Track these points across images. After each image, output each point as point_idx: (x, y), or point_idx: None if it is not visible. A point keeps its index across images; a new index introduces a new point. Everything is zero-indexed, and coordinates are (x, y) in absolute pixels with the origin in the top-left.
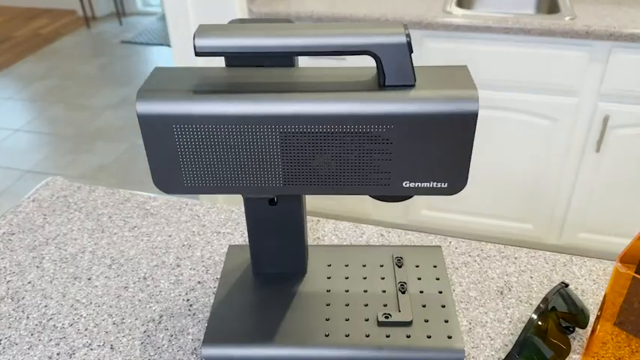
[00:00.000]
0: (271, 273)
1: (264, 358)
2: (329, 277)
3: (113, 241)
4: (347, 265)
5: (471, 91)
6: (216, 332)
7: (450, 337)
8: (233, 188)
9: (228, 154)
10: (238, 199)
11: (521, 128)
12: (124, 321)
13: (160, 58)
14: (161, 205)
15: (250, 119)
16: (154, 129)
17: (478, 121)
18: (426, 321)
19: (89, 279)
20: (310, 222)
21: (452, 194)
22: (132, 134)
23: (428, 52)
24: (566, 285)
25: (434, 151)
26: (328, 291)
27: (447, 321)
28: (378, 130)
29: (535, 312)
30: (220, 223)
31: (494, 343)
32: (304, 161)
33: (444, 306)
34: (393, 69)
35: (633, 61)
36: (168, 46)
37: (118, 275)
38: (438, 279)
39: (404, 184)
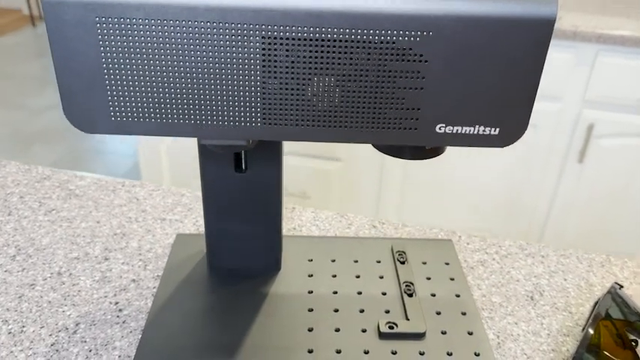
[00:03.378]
0: (233, 269)
1: None
2: (310, 275)
3: (22, 226)
4: (334, 261)
5: None
6: (154, 347)
7: (477, 355)
8: (185, 127)
9: (180, 70)
10: (192, 180)
11: None
12: (24, 330)
13: None
14: (89, 185)
15: (217, 13)
16: (65, 25)
17: None
18: (444, 333)
19: None
20: (284, 209)
21: (503, 146)
22: (73, 137)
23: None
24: (621, 286)
25: (486, 77)
26: (310, 292)
27: (471, 333)
28: (409, 39)
29: (590, 324)
30: (166, 208)
31: None
32: (295, 86)
33: (464, 313)
34: None
35: (620, 66)
36: None
37: (24, 269)
38: (452, 279)
39: (438, 129)
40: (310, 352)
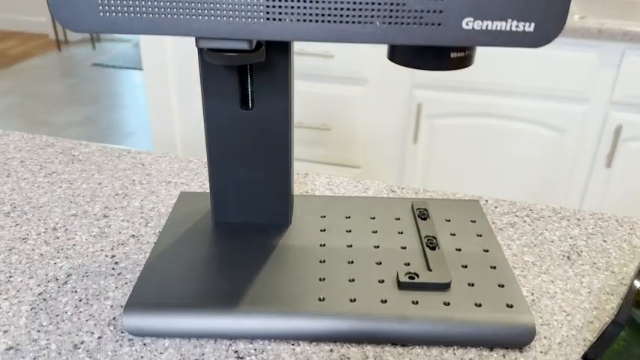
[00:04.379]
0: (239, 222)
1: (221, 332)
2: (323, 230)
3: (20, 186)
4: (348, 217)
5: None
6: (149, 293)
7: (510, 307)
8: (179, 23)
9: None
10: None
11: (524, 139)
12: (11, 280)
13: (130, 80)
14: (93, 152)
15: None
16: None
17: (474, 130)
18: (471, 285)
19: None
20: (295, 175)
21: (538, 45)
22: None
23: None
24: None
25: None
26: (322, 245)
27: (502, 285)
28: None
29: (637, 279)
30: (172, 172)
31: (572, 320)
32: None
33: (494, 267)
34: None
35: None
36: (140, 69)
37: (17, 224)
38: (479, 235)
39: (465, 24)
40: (321, 300)
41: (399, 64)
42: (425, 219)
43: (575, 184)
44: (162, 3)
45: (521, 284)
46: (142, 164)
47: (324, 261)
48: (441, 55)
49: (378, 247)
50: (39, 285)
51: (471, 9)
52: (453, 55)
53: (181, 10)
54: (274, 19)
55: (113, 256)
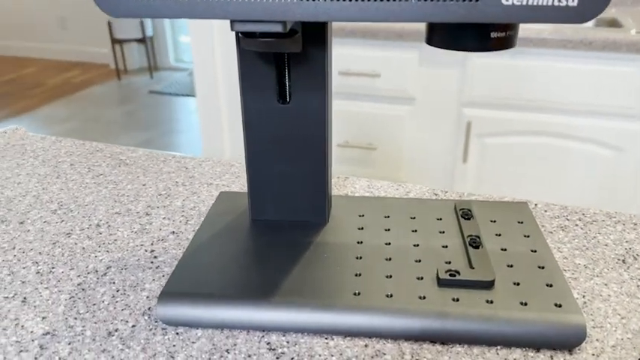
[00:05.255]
0: (277, 220)
1: (253, 323)
2: (361, 228)
3: (68, 187)
4: (387, 217)
5: None
6: (183, 284)
7: (558, 306)
8: (213, 6)
9: None
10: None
11: (579, 158)
12: (53, 270)
13: (185, 107)
14: (140, 157)
15: None
16: None
17: (527, 149)
18: (517, 284)
19: (21, 222)
20: (335, 179)
21: (582, 20)
22: None
23: (474, 69)
24: None
25: None
26: (360, 242)
27: (550, 285)
28: None
29: None
30: (214, 175)
31: (627, 323)
32: None
33: (542, 267)
34: None
35: None
36: (194, 96)
37: (63, 221)
38: (527, 236)
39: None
40: (356, 294)
41: (437, 46)
42: (468, 219)
43: (637, 206)
44: None
45: (572, 286)
46: (185, 167)
47: (360, 257)
48: (481, 35)
49: (417, 245)
50: (79, 276)
51: None
52: (494, 34)
53: None
54: None
55: (152, 251)
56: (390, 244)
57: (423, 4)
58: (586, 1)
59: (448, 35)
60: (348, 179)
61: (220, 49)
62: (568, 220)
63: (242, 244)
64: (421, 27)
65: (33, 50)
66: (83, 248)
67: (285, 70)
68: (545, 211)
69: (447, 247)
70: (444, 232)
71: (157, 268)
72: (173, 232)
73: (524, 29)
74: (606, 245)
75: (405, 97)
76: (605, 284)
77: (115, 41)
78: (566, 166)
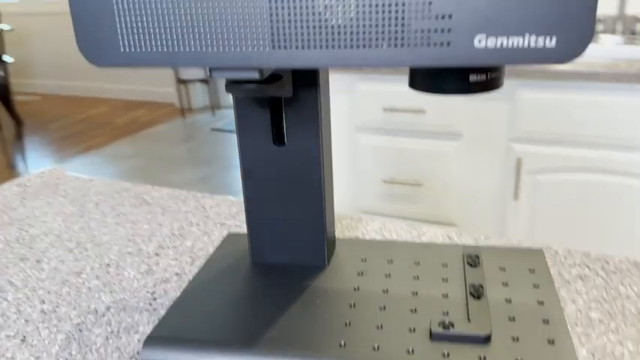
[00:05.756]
0: (276, 262)
1: None
2: (360, 273)
3: (89, 226)
4: (390, 262)
5: None
6: (171, 328)
7: None
8: (192, 55)
9: None
10: None
11: (634, 196)
12: (57, 310)
13: None
14: (162, 196)
15: None
16: None
17: (582, 187)
18: (516, 340)
19: (38, 261)
20: (349, 220)
21: (563, 61)
22: None
23: (523, 103)
24: None
25: None
26: (356, 289)
27: (552, 342)
28: None
29: None
30: (229, 215)
31: None
32: None
33: (546, 321)
34: None
35: None
36: None
37: (77, 260)
38: (536, 286)
39: (477, 42)
40: (342, 346)
41: (418, 90)
42: (475, 266)
43: None
44: (176, 37)
45: (582, 343)
46: (203, 207)
47: (353, 305)
48: (459, 78)
49: (416, 293)
50: (79, 316)
51: (482, 25)
52: (473, 78)
53: (193, 42)
54: (280, 47)
55: (153, 292)
56: (387, 291)
57: (394, 50)
58: (564, 42)
59: (428, 79)
60: (361, 221)
61: None
62: (589, 268)
63: (237, 289)
64: None
65: (104, 91)
66: (89, 288)
67: (280, 112)
68: (566, 258)
69: (447, 296)
70: (446, 280)
71: (154, 310)
72: (177, 273)
73: (576, 63)
74: (628, 298)
75: (452, 132)
76: (620, 342)
77: (180, 81)
78: (622, 204)
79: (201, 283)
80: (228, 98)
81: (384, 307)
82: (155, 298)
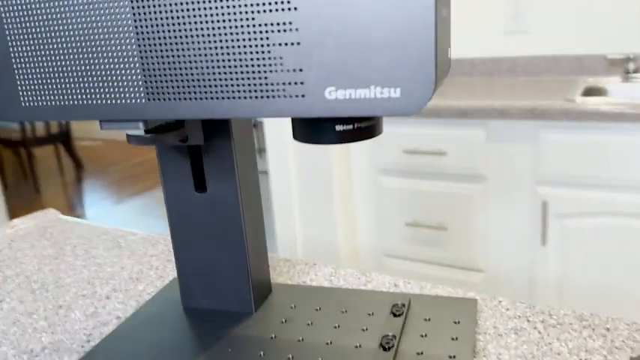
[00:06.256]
0: (207, 309)
1: None
2: (284, 321)
3: (58, 268)
4: (318, 309)
5: None
6: None
7: None
8: (83, 109)
9: (69, 42)
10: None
11: None
12: None
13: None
14: (137, 240)
15: None
16: None
17: (613, 231)
18: None
19: (1, 301)
20: (303, 265)
21: (409, 112)
22: None
23: (546, 145)
24: None
25: (369, 21)
26: (272, 338)
27: None
28: None
29: None
30: None
31: None
32: (170, 48)
33: None
34: None
35: None
36: None
37: (35, 301)
38: (455, 339)
39: (327, 94)
40: None
41: (298, 140)
42: (398, 315)
43: None
44: (64, 95)
45: None
46: (169, 251)
47: (263, 354)
48: (327, 129)
49: (330, 343)
50: (14, 356)
51: (331, 78)
52: (339, 127)
53: (79, 97)
54: (154, 97)
55: (90, 335)
56: (302, 340)
57: (255, 101)
58: (408, 93)
59: (300, 130)
60: (315, 266)
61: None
62: (529, 321)
63: (158, 335)
64: (486, 104)
65: None
66: (35, 328)
67: (200, 159)
68: (508, 309)
69: (359, 347)
70: (366, 330)
71: (85, 352)
72: (118, 317)
73: (601, 104)
74: (558, 355)
75: (475, 175)
76: None
77: None
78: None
79: (127, 328)
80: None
81: (292, 358)
82: (89, 341)
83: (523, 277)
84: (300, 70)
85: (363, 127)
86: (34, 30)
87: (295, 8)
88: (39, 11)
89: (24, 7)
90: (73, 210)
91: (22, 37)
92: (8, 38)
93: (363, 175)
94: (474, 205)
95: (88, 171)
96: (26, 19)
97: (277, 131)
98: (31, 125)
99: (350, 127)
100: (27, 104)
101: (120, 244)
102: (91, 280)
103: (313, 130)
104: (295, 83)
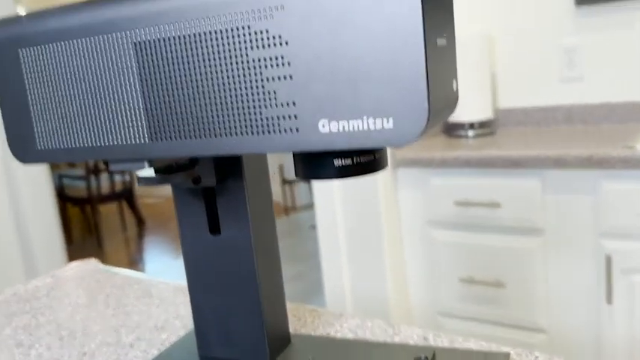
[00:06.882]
0: (222, 358)
1: None
2: None
3: (89, 316)
4: None
5: None
6: None
7: None
8: (91, 150)
9: (78, 88)
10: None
11: None
12: None
13: None
14: (168, 289)
15: (97, 27)
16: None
17: None
18: None
19: (30, 347)
20: (329, 315)
21: (404, 143)
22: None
23: (607, 196)
24: None
25: (359, 53)
26: None
27: None
28: (262, 19)
29: None
30: None
31: None
32: (170, 90)
33: None
34: None
35: None
36: None
37: (62, 348)
38: None
39: (320, 127)
40: None
41: (298, 177)
42: None
43: None
44: (75, 137)
45: None
46: None
47: None
48: (325, 164)
49: None
50: None
51: (324, 110)
52: (337, 162)
53: (89, 139)
54: (156, 137)
55: None
56: None
57: (250, 137)
58: (402, 123)
59: (300, 167)
60: (341, 317)
61: (338, 186)
62: None
63: None
64: (540, 153)
65: None
66: None
67: (214, 201)
68: None
69: None
70: None
71: None
72: None
73: None
74: None
75: (532, 227)
76: None
77: (284, 181)
78: None
79: None
80: None
81: None
82: None
83: (588, 337)
84: (294, 103)
85: (363, 162)
86: (48, 82)
87: (287, 43)
88: (53, 65)
89: (41, 62)
90: (134, 265)
91: (38, 88)
92: (27, 90)
93: (413, 227)
94: (532, 260)
95: (150, 227)
96: (43, 72)
97: (325, 184)
98: (97, 183)
99: (349, 161)
100: (42, 147)
101: (151, 293)
102: (117, 329)
103: (312, 165)
104: (289, 117)
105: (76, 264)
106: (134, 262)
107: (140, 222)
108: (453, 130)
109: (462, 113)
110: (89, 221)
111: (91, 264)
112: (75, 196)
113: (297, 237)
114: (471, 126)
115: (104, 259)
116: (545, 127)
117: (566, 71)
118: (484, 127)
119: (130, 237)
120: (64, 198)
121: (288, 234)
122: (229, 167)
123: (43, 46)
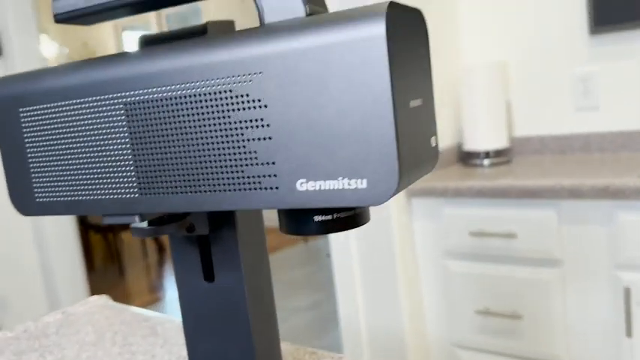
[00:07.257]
0: None
1: None
2: None
3: (96, 354)
4: None
5: (373, 10)
6: None
7: None
8: (85, 204)
9: (73, 145)
10: (387, 348)
11: None
12: None
13: None
14: (173, 328)
15: (90, 89)
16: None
17: None
18: None
19: None
20: (329, 359)
21: (376, 202)
22: (313, 337)
23: (624, 226)
24: None
25: (334, 115)
26: None
27: None
28: (242, 83)
29: None
30: None
31: None
32: (158, 147)
33: None
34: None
35: None
36: None
37: None
38: None
39: (299, 186)
40: None
41: (282, 232)
42: None
43: None
44: (71, 191)
45: None
46: None
47: None
48: (307, 220)
49: None
50: None
51: (302, 170)
52: (318, 218)
53: (83, 193)
54: (146, 191)
55: None
56: None
57: (233, 194)
58: (375, 183)
59: (284, 222)
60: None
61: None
62: None
63: None
64: (555, 183)
65: None
66: None
67: (208, 249)
68: None
69: None
70: None
71: None
72: None
73: None
74: None
75: (549, 259)
76: None
77: None
78: None
79: None
80: None
81: None
82: None
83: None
84: (273, 163)
85: (343, 218)
86: (46, 139)
87: (266, 106)
88: (50, 124)
89: (39, 120)
90: (154, 292)
91: (36, 145)
92: (26, 146)
93: (427, 258)
94: (549, 291)
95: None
96: (40, 130)
97: None
98: None
99: (329, 217)
100: (40, 200)
101: (156, 332)
102: None
103: (294, 221)
104: (269, 176)
105: (88, 299)
106: (154, 289)
107: (161, 249)
108: (468, 158)
109: (477, 142)
110: (111, 249)
111: (102, 300)
112: (97, 224)
113: (314, 265)
114: (487, 155)
115: (125, 286)
116: (562, 156)
117: (581, 99)
118: (500, 156)
119: (151, 264)
120: (86, 226)
121: (306, 262)
122: (222, 216)
123: (41, 106)
